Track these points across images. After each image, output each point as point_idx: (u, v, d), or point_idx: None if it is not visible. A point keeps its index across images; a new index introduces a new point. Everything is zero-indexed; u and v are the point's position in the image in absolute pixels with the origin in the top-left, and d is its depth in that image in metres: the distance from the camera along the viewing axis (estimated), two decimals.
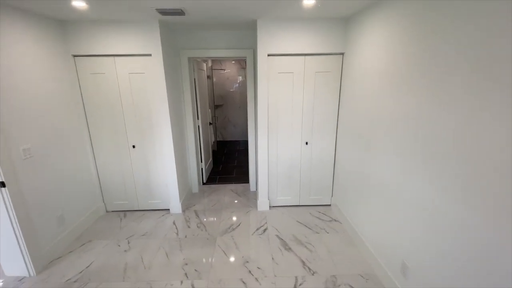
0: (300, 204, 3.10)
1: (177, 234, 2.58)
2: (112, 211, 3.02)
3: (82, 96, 2.62)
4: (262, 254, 2.26)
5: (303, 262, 2.16)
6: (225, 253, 2.28)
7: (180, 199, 2.97)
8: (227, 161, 4.94)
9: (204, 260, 2.20)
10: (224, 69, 5.99)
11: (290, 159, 2.92)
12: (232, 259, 2.21)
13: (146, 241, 2.46)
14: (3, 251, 1.99)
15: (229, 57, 3.06)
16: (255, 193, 3.48)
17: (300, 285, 1.92)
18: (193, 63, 3.24)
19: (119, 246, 2.40)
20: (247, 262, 2.17)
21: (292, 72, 2.63)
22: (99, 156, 2.80)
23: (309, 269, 2.08)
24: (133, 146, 2.79)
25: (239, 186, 3.73)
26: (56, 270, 2.10)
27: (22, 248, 1.99)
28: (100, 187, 2.90)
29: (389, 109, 1.81)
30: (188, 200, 3.27)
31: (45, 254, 2.15)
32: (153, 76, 2.57)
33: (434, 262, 1.40)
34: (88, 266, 2.14)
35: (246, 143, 6.44)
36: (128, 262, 2.18)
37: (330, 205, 3.10)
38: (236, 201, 3.27)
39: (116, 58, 2.53)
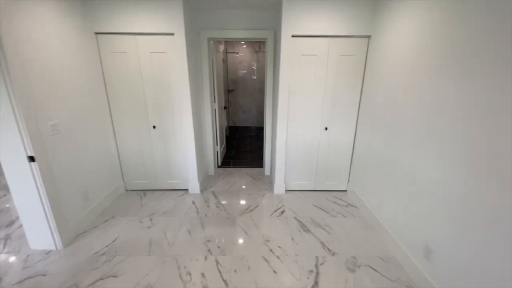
0: (316, 189, 3.12)
1: (197, 213, 2.64)
2: (132, 190, 3.09)
3: (103, 75, 2.61)
4: (282, 234, 2.31)
5: (323, 244, 2.20)
6: (245, 232, 2.34)
7: (198, 179, 3.01)
8: (239, 146, 4.95)
9: (225, 238, 2.26)
10: (237, 53, 5.89)
11: (309, 144, 2.91)
12: (252, 237, 2.26)
13: (168, 219, 2.52)
14: (30, 225, 2.05)
15: (249, 38, 3.00)
16: (270, 177, 3.51)
17: (321, 264, 1.97)
18: (212, 44, 3.19)
19: (141, 222, 2.47)
20: (268, 241, 2.22)
21: (316, 55, 2.58)
22: (120, 135, 2.83)
23: (329, 250, 2.12)
24: (154, 127, 2.80)
25: (253, 170, 3.76)
26: (83, 244, 2.18)
27: (50, 222, 2.05)
28: (120, 166, 2.95)
29: (420, 94, 1.78)
30: (205, 181, 3.32)
31: (71, 228, 2.22)
32: (175, 56, 2.54)
33: (460, 246, 1.42)
34: (113, 241, 2.21)
35: (257, 129, 6.44)
36: (152, 238, 2.24)
37: (345, 190, 3.12)
38: (251, 184, 3.31)
39: (138, 36, 2.50)
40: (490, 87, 1.25)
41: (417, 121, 1.80)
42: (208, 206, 2.77)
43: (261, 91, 6.31)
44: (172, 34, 2.48)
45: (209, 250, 2.10)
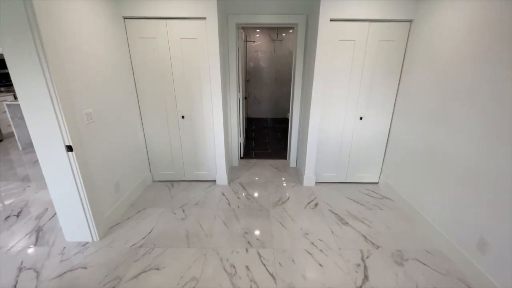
0: (347, 181, 3.04)
1: (229, 204, 2.58)
2: (159, 181, 3.04)
3: (131, 62, 2.52)
4: (320, 227, 2.25)
5: (364, 237, 2.14)
6: (282, 225, 2.28)
7: (226, 171, 2.95)
8: (257, 137, 4.87)
9: (262, 230, 2.21)
10: (254, 41, 5.74)
11: (341, 134, 2.82)
12: (290, 230, 2.21)
13: (200, 210, 2.48)
14: (66, 216, 2.00)
15: (279, 24, 2.86)
16: (296, 169, 3.44)
17: (367, 258, 1.91)
18: (239, 30, 3.06)
19: (174, 214, 2.42)
20: (307, 234, 2.17)
21: (354, 40, 2.46)
22: (147, 125, 2.76)
23: (372, 243, 2.06)
24: (183, 117, 2.72)
25: (277, 162, 3.69)
26: (118, 236, 2.14)
27: (87, 213, 2.00)
28: (148, 156, 2.90)
29: (468, 80, 1.67)
30: (231, 173, 3.26)
31: (106, 220, 2.18)
32: (206, 42, 2.44)
33: None
34: (149, 232, 2.17)
35: (272, 120, 6.34)
36: (188, 229, 2.20)
37: (377, 183, 3.04)
38: (278, 176, 3.24)
39: (168, 21, 2.39)
40: None
41: (470, 110, 1.70)
42: (238, 198, 2.71)
43: (277, 80, 6.18)
44: (204, 18, 2.37)
45: (248, 242, 2.05)
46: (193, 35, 2.43)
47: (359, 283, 1.69)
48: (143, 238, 2.10)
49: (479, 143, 1.66)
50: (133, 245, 2.03)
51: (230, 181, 3.08)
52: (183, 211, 2.46)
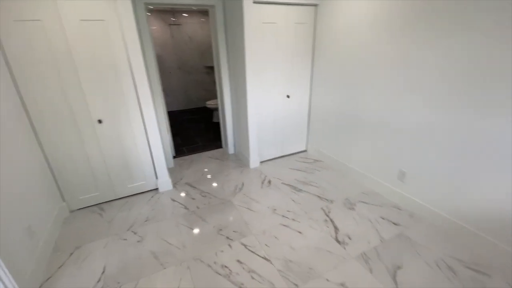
0: (283, 154, 3.34)
1: (186, 208, 2.34)
2: (78, 209, 2.35)
3: (5, 55, 1.74)
4: (282, 200, 2.42)
5: (319, 197, 2.46)
6: (250, 209, 2.30)
7: (168, 174, 2.62)
8: (180, 132, 4.49)
9: (234, 221, 2.16)
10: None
11: (274, 114, 3.02)
12: (259, 212, 2.26)
13: (156, 225, 2.13)
14: None
15: (194, 5, 2.64)
16: (236, 155, 3.46)
17: (329, 212, 2.23)
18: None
19: (125, 240, 1.98)
20: (275, 209, 2.28)
21: (276, 23, 2.60)
22: (47, 138, 2.03)
23: (326, 199, 2.41)
24: (99, 121, 2.16)
25: (214, 153, 3.57)
26: None
27: (6, 281, 1.35)
28: (56, 182, 2.17)
29: (379, 53, 2.17)
30: (171, 175, 2.90)
31: (31, 278, 1.54)
32: (120, 25, 1.97)
33: (424, 164, 1.96)
34: (103, 272, 1.70)
35: (187, 112, 5.97)
36: (153, 250, 1.87)
37: (306, 150, 3.49)
38: (223, 166, 3.17)
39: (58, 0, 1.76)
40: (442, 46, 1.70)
41: (371, 75, 2.23)
42: (193, 199, 2.49)
43: (182, 69, 5.78)
44: None
45: (227, 238, 1.97)
46: (98, 16, 1.91)
47: (333, 234, 1.97)
48: (98, 281, 1.63)
49: (381, 100, 2.22)
50: None
51: (174, 184, 2.76)
52: (135, 233, 2.05)
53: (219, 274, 1.66)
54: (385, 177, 2.41)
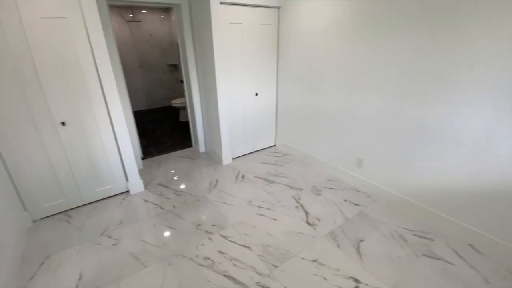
0: (254, 150, 3.48)
1: (161, 208, 2.34)
2: (42, 218, 2.20)
3: None
4: (256, 192, 2.56)
5: (289, 186, 2.66)
6: (226, 203, 2.39)
7: (139, 175, 2.57)
8: (146, 133, 4.34)
9: (212, 215, 2.23)
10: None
11: (244, 111, 3.14)
12: (235, 205, 2.37)
13: (131, 227, 2.10)
14: None
15: (158, 3, 2.62)
16: (207, 153, 3.50)
17: (299, 199, 2.43)
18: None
19: (99, 244, 1.93)
20: (251, 201, 2.41)
21: (241, 23, 2.71)
22: (4, 146, 1.87)
23: (296, 188, 2.62)
24: (63, 123, 2.04)
25: (184, 152, 3.56)
26: None
27: None
28: (16, 190, 2.00)
29: (333, 50, 2.43)
30: (141, 177, 2.84)
31: None
32: (82, 22, 1.89)
33: (377, 151, 2.27)
34: (80, 278, 1.65)
35: (151, 111, 5.77)
36: (132, 251, 1.86)
37: (275, 145, 3.68)
38: (194, 164, 3.19)
39: None
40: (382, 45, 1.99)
41: (327, 71, 2.49)
42: (168, 198, 2.49)
43: (143, 67, 5.56)
44: None
45: (207, 232, 2.04)
46: (59, 14, 1.81)
47: (304, 218, 2.17)
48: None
49: (337, 93, 2.51)
50: None
51: (146, 185, 2.72)
52: (109, 237, 2.00)
53: (202, 266, 1.73)
54: (345, 165, 2.70)
